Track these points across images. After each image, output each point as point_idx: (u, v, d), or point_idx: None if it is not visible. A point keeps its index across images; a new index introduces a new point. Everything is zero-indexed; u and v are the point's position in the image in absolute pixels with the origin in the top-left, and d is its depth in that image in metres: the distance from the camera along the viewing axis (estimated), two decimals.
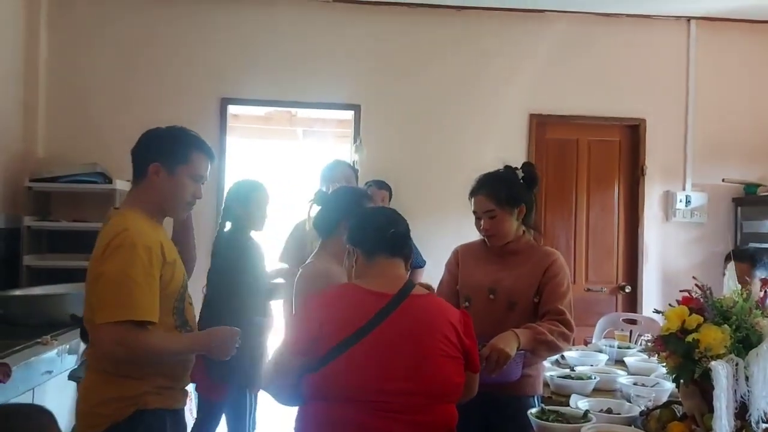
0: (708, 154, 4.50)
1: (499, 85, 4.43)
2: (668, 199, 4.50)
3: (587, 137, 4.53)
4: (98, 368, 1.78)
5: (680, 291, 1.74)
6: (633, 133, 4.53)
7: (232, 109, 4.44)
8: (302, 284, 2.00)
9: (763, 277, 2.96)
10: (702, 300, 1.66)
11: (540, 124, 4.46)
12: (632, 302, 4.48)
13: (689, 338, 1.60)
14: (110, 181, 3.89)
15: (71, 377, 2.49)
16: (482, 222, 2.18)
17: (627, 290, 4.51)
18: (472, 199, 2.20)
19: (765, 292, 1.67)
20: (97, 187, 3.88)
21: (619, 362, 2.96)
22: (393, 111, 4.38)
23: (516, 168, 2.23)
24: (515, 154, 4.37)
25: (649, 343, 1.77)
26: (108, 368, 1.76)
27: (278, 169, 6.49)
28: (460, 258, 2.31)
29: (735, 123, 4.51)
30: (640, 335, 3.66)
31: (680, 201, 4.45)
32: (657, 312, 1.82)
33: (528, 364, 2.07)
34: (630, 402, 2.12)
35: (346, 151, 4.81)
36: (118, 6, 4.23)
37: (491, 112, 4.42)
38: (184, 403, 1.93)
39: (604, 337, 3.65)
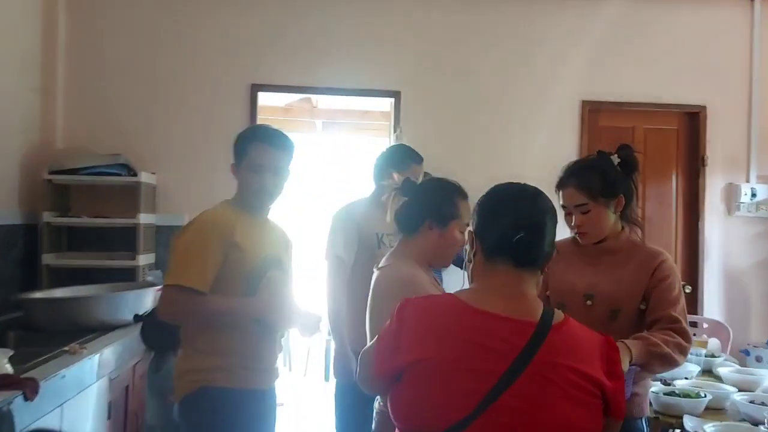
0: None
1: (548, 71, 4.15)
2: (731, 192, 4.22)
3: (643, 125, 4.26)
4: (185, 342, 1.96)
5: None
6: (692, 120, 4.26)
7: (261, 96, 4.15)
8: (386, 289, 1.70)
9: None
10: None
11: (593, 112, 4.18)
12: (693, 303, 4.18)
13: None
14: (135, 174, 3.68)
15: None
16: (573, 217, 1.94)
17: (687, 290, 4.19)
18: (560, 192, 1.95)
19: None
20: (121, 180, 3.67)
21: (706, 372, 2.70)
22: (435, 98, 4.12)
23: (611, 153, 1.98)
24: (566, 144, 4.14)
25: None
26: (188, 342, 1.94)
27: (299, 160, 6.27)
28: None
29: None
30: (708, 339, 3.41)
31: (744, 194, 4.19)
32: None
33: (636, 380, 1.81)
34: (757, 425, 1.84)
35: (366, 143, 4.55)
36: None
37: (540, 99, 4.15)
38: (268, 384, 1.98)
39: None
